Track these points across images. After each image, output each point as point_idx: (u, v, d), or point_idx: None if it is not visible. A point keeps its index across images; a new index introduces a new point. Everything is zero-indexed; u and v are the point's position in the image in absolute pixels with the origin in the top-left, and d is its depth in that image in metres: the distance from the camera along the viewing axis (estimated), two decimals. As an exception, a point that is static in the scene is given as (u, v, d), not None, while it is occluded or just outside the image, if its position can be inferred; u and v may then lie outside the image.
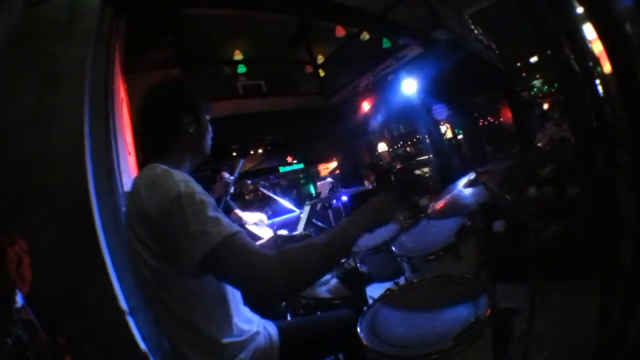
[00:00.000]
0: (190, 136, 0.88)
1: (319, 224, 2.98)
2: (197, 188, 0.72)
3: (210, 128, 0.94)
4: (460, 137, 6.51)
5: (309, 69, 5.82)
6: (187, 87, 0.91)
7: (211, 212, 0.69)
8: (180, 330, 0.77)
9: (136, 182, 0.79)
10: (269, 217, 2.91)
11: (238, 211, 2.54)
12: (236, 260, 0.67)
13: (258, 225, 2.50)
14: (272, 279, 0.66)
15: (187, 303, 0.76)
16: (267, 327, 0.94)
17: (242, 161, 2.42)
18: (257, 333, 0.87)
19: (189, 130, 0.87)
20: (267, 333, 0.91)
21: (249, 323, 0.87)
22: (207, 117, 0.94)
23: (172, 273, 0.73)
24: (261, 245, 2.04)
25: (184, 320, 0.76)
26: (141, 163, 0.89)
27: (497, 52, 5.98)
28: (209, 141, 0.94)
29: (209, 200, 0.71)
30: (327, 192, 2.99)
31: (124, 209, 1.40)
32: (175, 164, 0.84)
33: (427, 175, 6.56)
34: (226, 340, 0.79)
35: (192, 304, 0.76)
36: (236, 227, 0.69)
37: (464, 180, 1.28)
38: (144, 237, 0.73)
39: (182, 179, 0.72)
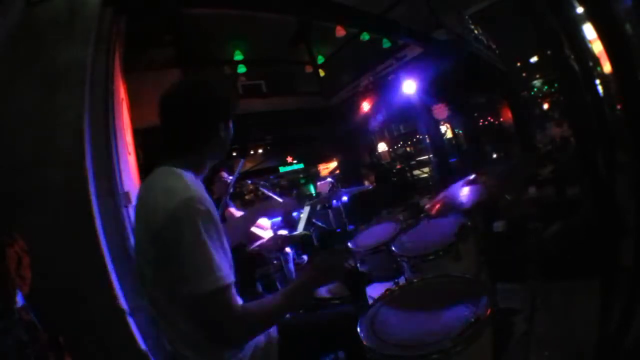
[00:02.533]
0: (220, 142, 0.86)
1: (319, 224, 2.98)
2: (205, 212, 0.71)
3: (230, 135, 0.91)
4: (460, 137, 6.51)
5: (309, 69, 5.81)
6: (225, 92, 0.90)
7: (210, 250, 0.69)
8: (179, 331, 0.78)
9: (151, 184, 0.78)
10: (269, 217, 2.91)
11: (232, 209, 2.53)
12: (214, 315, 0.71)
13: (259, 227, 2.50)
14: (234, 339, 0.74)
15: (186, 306, 0.76)
16: None
17: (242, 161, 2.42)
18: None
19: (220, 136, 0.85)
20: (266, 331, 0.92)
21: None
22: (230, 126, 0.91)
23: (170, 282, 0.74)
24: (261, 244, 2.04)
25: (183, 323, 0.76)
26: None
27: (497, 52, 5.98)
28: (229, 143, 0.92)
29: (213, 232, 0.71)
30: (327, 192, 2.99)
31: (123, 209, 1.41)
32: (195, 167, 0.83)
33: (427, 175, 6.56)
34: None
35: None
36: (227, 280, 0.70)
37: (464, 180, 1.28)
38: (149, 243, 0.73)
39: (195, 198, 0.70)
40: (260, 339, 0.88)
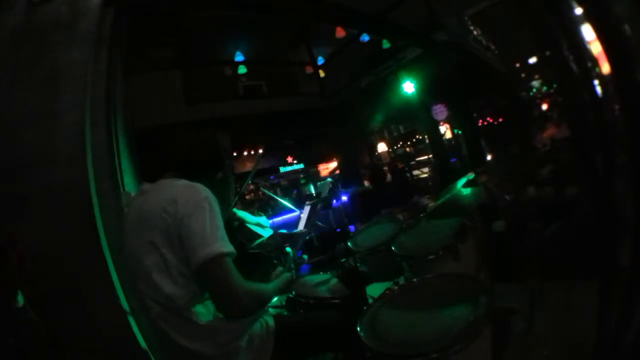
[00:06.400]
0: (216, 183, 1.02)
1: (319, 224, 2.98)
2: (216, 204, 0.87)
3: (232, 184, 1.11)
4: (460, 137, 6.49)
5: (309, 70, 5.82)
6: (225, 146, 1.07)
7: (221, 227, 0.83)
8: (179, 318, 0.82)
9: (164, 186, 0.91)
10: (270, 217, 2.91)
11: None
12: (223, 277, 0.78)
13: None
14: (241, 305, 0.79)
15: (189, 289, 0.82)
16: (263, 315, 0.97)
17: (254, 169, 2.44)
18: (252, 320, 0.91)
19: (218, 177, 1.03)
20: (263, 320, 0.94)
21: None
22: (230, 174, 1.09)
23: (183, 266, 0.82)
24: (261, 243, 2.04)
25: (184, 307, 0.81)
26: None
27: (496, 52, 5.97)
28: (230, 194, 1.12)
29: (219, 211, 0.86)
30: (327, 192, 2.99)
31: (125, 208, 1.41)
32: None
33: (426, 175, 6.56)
34: (225, 327, 0.84)
35: (193, 290, 0.82)
36: (230, 248, 0.82)
37: (463, 181, 1.29)
38: (170, 232, 0.81)
39: (209, 195, 0.87)
40: (257, 326, 0.91)
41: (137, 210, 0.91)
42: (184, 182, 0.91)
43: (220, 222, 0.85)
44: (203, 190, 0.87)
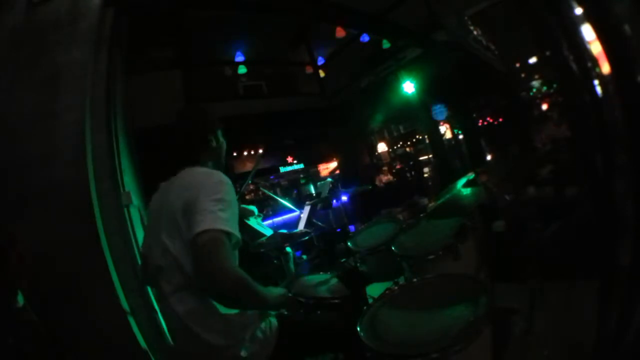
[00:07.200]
0: (214, 150, 1.08)
1: (319, 224, 2.99)
2: (231, 188, 0.91)
3: (225, 143, 1.15)
4: (460, 137, 6.49)
5: (309, 70, 5.83)
6: (210, 115, 1.12)
7: (226, 210, 0.82)
8: (197, 306, 0.83)
9: (185, 175, 0.95)
10: (270, 217, 2.91)
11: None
12: (209, 249, 0.75)
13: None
14: (220, 284, 0.75)
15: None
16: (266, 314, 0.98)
17: (254, 169, 2.46)
18: (255, 314, 0.92)
19: (212, 146, 1.07)
20: (265, 316, 0.96)
21: None
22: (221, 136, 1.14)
23: None
24: (261, 243, 2.05)
25: (204, 295, 0.82)
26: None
27: (496, 52, 5.97)
28: (224, 153, 1.15)
29: (234, 200, 0.88)
30: (327, 192, 2.99)
31: (124, 209, 1.41)
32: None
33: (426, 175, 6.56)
34: (236, 319, 0.85)
35: None
36: (232, 230, 0.80)
37: (463, 181, 1.29)
38: (190, 214, 0.82)
39: (225, 179, 0.91)
40: (261, 323, 0.92)
41: (160, 198, 0.97)
42: (203, 169, 0.97)
43: (229, 205, 0.84)
44: (219, 175, 0.91)
